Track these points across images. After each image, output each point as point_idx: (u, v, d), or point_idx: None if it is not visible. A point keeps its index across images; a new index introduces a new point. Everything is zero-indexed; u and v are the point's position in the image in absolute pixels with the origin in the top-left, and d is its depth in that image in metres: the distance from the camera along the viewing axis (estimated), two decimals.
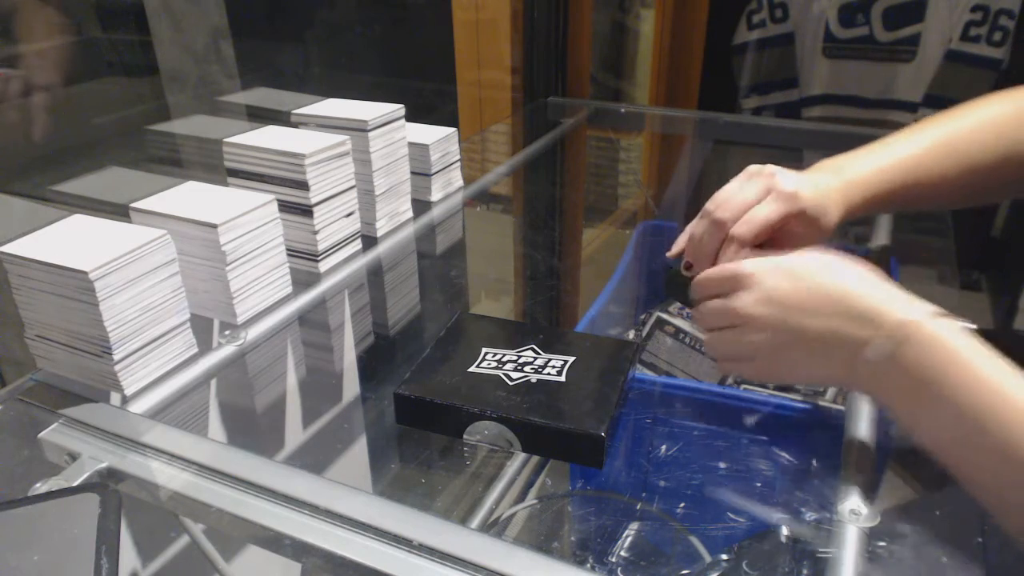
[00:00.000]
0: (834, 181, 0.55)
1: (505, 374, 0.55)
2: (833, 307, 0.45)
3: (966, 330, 0.42)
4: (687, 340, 0.84)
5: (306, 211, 0.70)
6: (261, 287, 0.65)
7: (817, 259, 0.48)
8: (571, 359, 0.56)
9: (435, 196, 0.90)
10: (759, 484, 0.62)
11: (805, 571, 0.49)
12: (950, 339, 0.41)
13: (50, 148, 0.96)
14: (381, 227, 0.81)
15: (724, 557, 0.54)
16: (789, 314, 0.47)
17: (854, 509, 0.44)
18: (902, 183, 0.55)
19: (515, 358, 0.57)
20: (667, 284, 0.64)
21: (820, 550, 0.44)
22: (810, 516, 0.52)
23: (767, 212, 0.51)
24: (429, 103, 1.64)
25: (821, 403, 0.64)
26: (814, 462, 0.58)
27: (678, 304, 0.90)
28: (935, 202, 0.58)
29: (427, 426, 0.54)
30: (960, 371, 0.40)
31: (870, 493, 0.46)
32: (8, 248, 0.53)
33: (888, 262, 0.78)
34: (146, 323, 0.55)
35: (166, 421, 0.53)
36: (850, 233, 0.86)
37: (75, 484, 0.45)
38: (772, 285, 0.48)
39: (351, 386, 0.67)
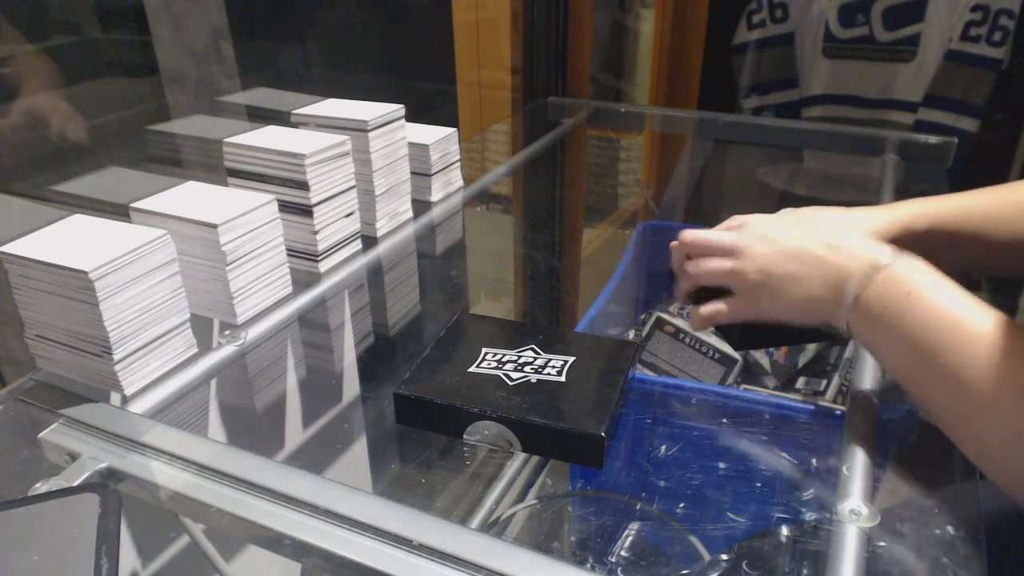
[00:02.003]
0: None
1: (505, 374, 0.55)
2: (820, 239, 0.51)
3: (927, 269, 0.46)
4: (687, 340, 0.84)
5: (306, 211, 0.70)
6: (261, 287, 0.65)
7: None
8: (571, 359, 0.56)
9: (435, 196, 0.90)
10: (759, 484, 0.62)
11: (805, 571, 0.49)
12: (910, 275, 0.46)
13: (50, 148, 0.96)
14: (381, 227, 0.81)
15: (724, 557, 0.54)
16: (781, 240, 0.53)
17: (854, 509, 0.44)
18: (924, 225, 0.57)
19: (515, 358, 0.57)
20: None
21: (820, 550, 0.44)
22: (810, 516, 0.52)
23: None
24: (429, 103, 1.64)
25: (821, 403, 0.64)
26: (814, 462, 0.58)
27: (678, 304, 0.90)
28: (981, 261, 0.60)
29: (427, 426, 0.54)
30: (917, 303, 0.44)
31: (870, 493, 0.46)
32: (8, 248, 0.53)
33: None
34: (146, 323, 0.55)
35: (166, 421, 0.53)
36: None
37: (75, 484, 0.45)
38: (763, 224, 0.55)
39: (351, 386, 0.67)
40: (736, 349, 0.83)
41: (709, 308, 0.56)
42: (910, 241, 0.57)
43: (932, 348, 0.43)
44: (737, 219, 0.58)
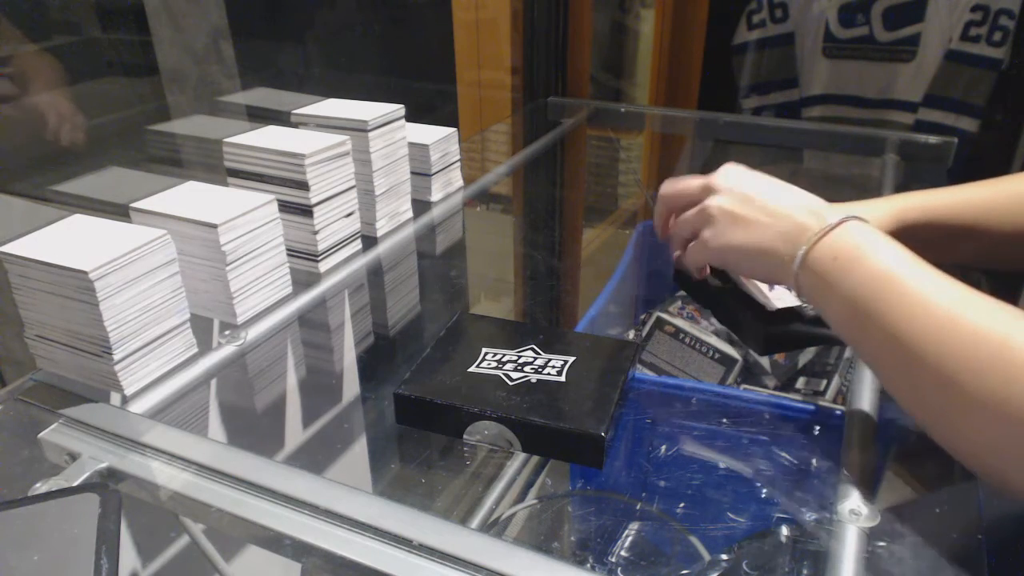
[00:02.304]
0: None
1: (505, 374, 0.55)
2: (789, 195, 0.52)
3: (872, 228, 0.47)
4: (687, 340, 0.84)
5: (306, 211, 0.70)
6: (261, 287, 0.65)
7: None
8: (571, 359, 0.56)
9: (435, 196, 0.90)
10: (759, 484, 0.62)
11: (805, 571, 0.49)
12: (860, 233, 0.46)
13: (50, 148, 0.96)
14: (381, 227, 0.81)
15: (724, 557, 0.54)
16: (749, 186, 0.54)
17: (854, 509, 0.44)
18: (926, 216, 0.58)
19: (515, 358, 0.57)
20: (677, 274, 0.65)
21: (820, 550, 0.44)
22: (810, 516, 0.52)
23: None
24: (429, 103, 1.64)
25: (821, 403, 0.64)
26: (814, 462, 0.58)
27: (678, 304, 0.90)
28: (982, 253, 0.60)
29: (427, 426, 0.54)
30: (860, 261, 0.45)
31: (870, 493, 0.46)
32: (8, 248, 0.53)
33: None
34: (146, 323, 0.55)
35: (166, 421, 0.53)
36: None
37: (75, 484, 0.45)
38: (737, 170, 0.55)
39: (351, 386, 0.67)
40: (761, 355, 0.83)
41: (691, 251, 0.58)
42: (905, 234, 0.57)
43: (872, 308, 0.43)
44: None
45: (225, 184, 0.73)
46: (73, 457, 0.48)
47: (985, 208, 0.57)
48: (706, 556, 0.56)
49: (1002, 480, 0.39)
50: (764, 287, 0.60)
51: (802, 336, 0.58)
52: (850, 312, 0.45)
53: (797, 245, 0.48)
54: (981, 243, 0.57)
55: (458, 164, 0.94)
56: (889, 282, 0.43)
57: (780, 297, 0.59)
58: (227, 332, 0.62)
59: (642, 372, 0.83)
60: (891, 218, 0.56)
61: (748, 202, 0.53)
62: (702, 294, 0.65)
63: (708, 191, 0.55)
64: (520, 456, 0.53)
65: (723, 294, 0.62)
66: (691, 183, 0.58)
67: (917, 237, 0.56)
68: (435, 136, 0.88)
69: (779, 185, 0.53)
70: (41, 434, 0.49)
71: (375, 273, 0.77)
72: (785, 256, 0.49)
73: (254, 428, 0.61)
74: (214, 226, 0.59)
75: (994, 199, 0.57)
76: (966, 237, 0.57)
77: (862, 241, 0.46)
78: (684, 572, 0.57)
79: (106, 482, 0.47)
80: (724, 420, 0.63)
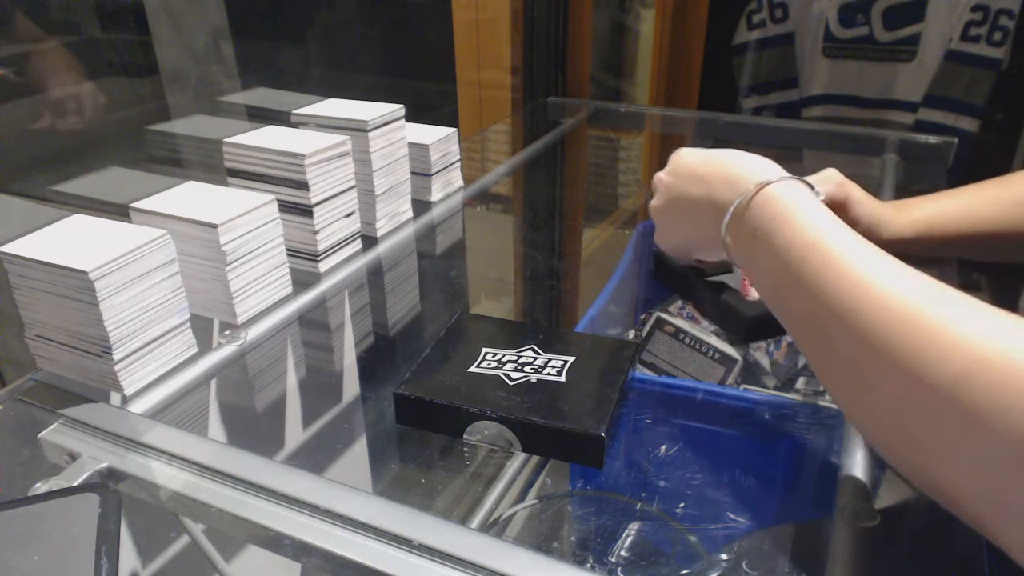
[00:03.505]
0: (885, 204, 0.59)
1: (505, 374, 0.55)
2: (714, 174, 0.49)
3: (809, 193, 0.44)
4: (687, 340, 0.84)
5: (306, 211, 0.70)
6: (261, 287, 0.65)
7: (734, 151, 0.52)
8: (571, 359, 0.56)
9: (435, 196, 0.90)
10: (759, 484, 0.62)
11: (805, 571, 0.49)
12: (786, 196, 0.44)
13: (50, 148, 0.96)
14: (381, 227, 0.81)
15: (724, 557, 0.54)
16: (680, 180, 0.53)
17: (854, 509, 0.44)
18: (960, 223, 0.59)
19: (515, 358, 0.57)
20: (657, 268, 0.65)
21: (820, 550, 0.44)
22: (810, 516, 0.52)
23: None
24: (429, 103, 1.64)
25: (821, 403, 0.64)
26: (814, 462, 0.58)
27: (678, 304, 0.90)
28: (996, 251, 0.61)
29: (427, 426, 0.54)
30: (786, 224, 0.42)
31: (870, 493, 0.46)
32: (8, 248, 0.53)
33: None
34: (146, 323, 0.55)
35: (166, 421, 0.53)
36: None
37: (75, 484, 0.45)
38: (680, 160, 0.54)
39: (351, 386, 0.67)
40: (742, 343, 0.83)
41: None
42: (921, 243, 0.58)
43: (794, 274, 0.40)
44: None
45: (225, 184, 0.73)
46: (73, 457, 0.48)
47: (992, 218, 0.58)
48: (706, 556, 0.56)
49: (906, 459, 0.36)
50: (741, 277, 0.60)
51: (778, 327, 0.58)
52: (773, 279, 0.43)
53: (723, 211, 0.47)
54: (987, 246, 0.58)
55: (458, 164, 0.94)
56: (813, 248, 0.40)
57: None
58: (227, 332, 0.62)
59: (642, 372, 0.83)
60: (912, 231, 0.58)
61: (685, 168, 0.52)
62: (682, 285, 0.66)
63: (656, 185, 0.56)
64: (520, 456, 0.53)
65: (702, 284, 0.62)
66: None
67: (930, 244, 0.57)
68: (435, 136, 0.88)
69: (723, 152, 0.51)
70: (41, 434, 0.49)
71: (375, 273, 0.77)
72: (714, 224, 0.48)
73: (254, 428, 0.61)
74: (214, 226, 0.59)
75: (1000, 204, 0.58)
76: (972, 243, 0.58)
77: (792, 203, 0.43)
78: (684, 572, 0.57)
79: (106, 482, 0.47)
80: (724, 420, 0.63)
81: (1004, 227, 0.58)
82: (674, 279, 0.66)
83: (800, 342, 0.43)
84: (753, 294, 0.59)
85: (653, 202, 0.57)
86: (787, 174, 0.46)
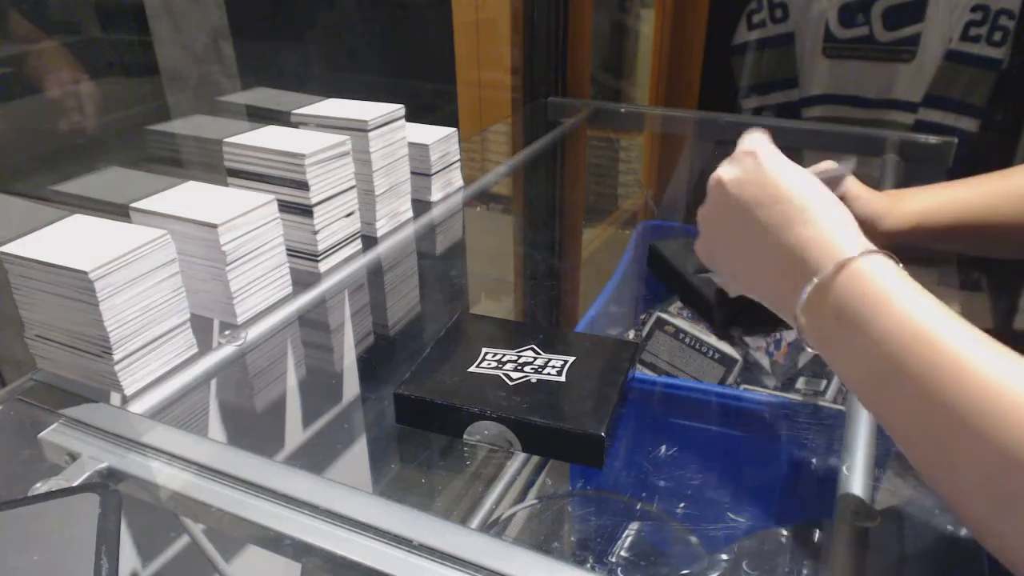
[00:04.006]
0: (881, 196, 0.58)
1: (505, 374, 0.55)
2: (787, 219, 0.43)
3: (898, 269, 0.40)
4: (687, 340, 0.84)
5: (306, 211, 0.70)
6: (261, 287, 0.65)
7: (792, 170, 0.46)
8: (571, 359, 0.56)
9: (435, 196, 0.90)
10: (759, 484, 0.62)
11: (805, 571, 0.49)
12: (876, 276, 0.39)
13: (50, 148, 0.96)
14: (381, 227, 0.81)
15: (724, 557, 0.54)
16: (743, 201, 0.46)
17: (854, 509, 0.44)
18: (959, 214, 0.58)
19: (515, 358, 0.57)
20: (650, 257, 0.66)
21: (820, 550, 0.44)
22: (810, 516, 0.52)
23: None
24: (429, 103, 1.64)
25: (821, 403, 0.64)
26: (814, 462, 0.58)
27: (678, 304, 0.90)
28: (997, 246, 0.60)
29: (427, 426, 0.54)
30: (882, 310, 0.38)
31: (870, 493, 0.46)
32: (8, 248, 0.53)
33: None
34: (146, 323, 0.55)
35: (166, 421, 0.53)
36: None
37: (75, 484, 0.45)
38: (753, 171, 0.47)
39: (351, 386, 0.67)
40: (720, 332, 0.83)
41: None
42: (917, 233, 0.57)
43: (897, 366, 0.36)
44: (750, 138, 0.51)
45: (225, 184, 0.73)
46: (73, 457, 0.48)
47: (993, 202, 0.57)
48: (706, 556, 0.56)
49: None
50: None
51: (759, 318, 0.57)
52: (866, 368, 0.38)
53: (802, 279, 0.41)
54: (989, 236, 0.57)
55: (458, 164, 0.94)
56: (920, 340, 0.36)
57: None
58: (227, 332, 0.62)
59: (642, 372, 0.83)
60: (908, 222, 0.56)
61: (756, 188, 0.45)
62: (670, 278, 0.66)
63: (712, 185, 0.49)
64: (520, 456, 0.53)
65: (686, 275, 0.63)
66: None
67: (927, 235, 0.57)
68: (435, 136, 0.88)
69: (799, 189, 0.44)
70: (41, 434, 0.49)
71: (375, 273, 0.77)
72: (786, 288, 0.43)
73: (254, 428, 0.61)
74: (214, 226, 0.59)
75: (1005, 196, 0.57)
76: (979, 234, 0.57)
77: (884, 285, 0.38)
78: (684, 572, 0.57)
79: (106, 482, 0.47)
80: (724, 420, 0.63)
81: (1003, 219, 0.57)
82: (664, 271, 0.66)
83: (902, 440, 0.38)
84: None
85: (705, 209, 0.50)
86: (867, 243, 0.41)
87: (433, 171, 0.89)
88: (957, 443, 0.34)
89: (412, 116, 0.84)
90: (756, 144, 0.49)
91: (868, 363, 0.38)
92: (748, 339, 0.84)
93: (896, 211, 0.58)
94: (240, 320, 0.63)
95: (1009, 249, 0.60)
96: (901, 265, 0.40)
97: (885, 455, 0.51)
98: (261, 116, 1.15)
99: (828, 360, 0.42)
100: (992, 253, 0.62)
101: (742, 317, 0.60)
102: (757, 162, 0.47)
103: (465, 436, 0.52)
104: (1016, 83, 1.45)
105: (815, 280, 0.40)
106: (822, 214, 0.43)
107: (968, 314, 0.41)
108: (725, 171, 0.48)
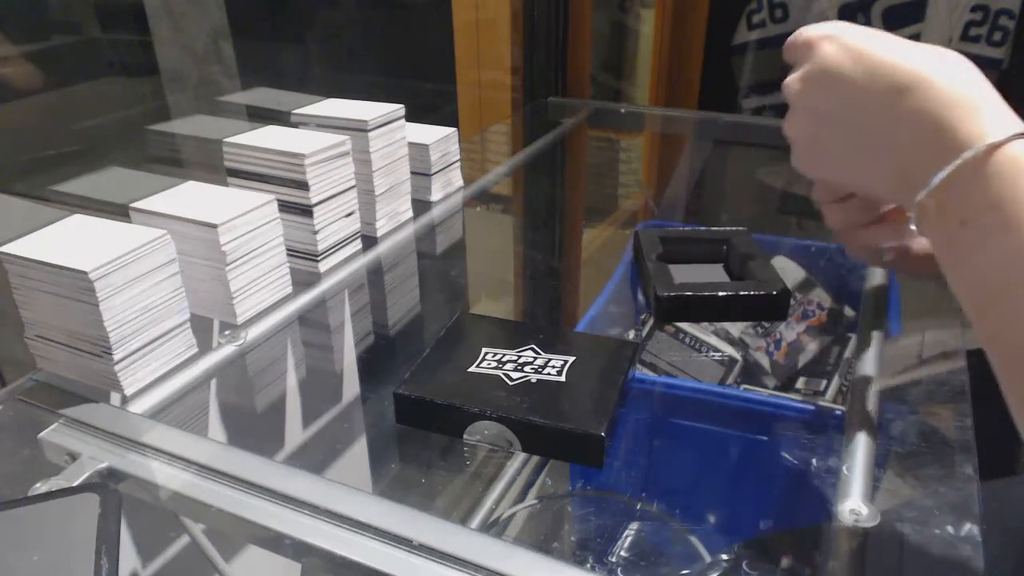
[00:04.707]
0: None
1: (505, 374, 0.55)
2: (900, 108, 0.37)
3: None
4: (687, 340, 0.84)
5: (306, 211, 0.70)
6: (261, 287, 0.65)
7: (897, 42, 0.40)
8: (571, 359, 0.56)
9: (435, 196, 0.90)
10: (759, 484, 0.62)
11: (805, 571, 0.49)
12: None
13: (50, 148, 0.96)
14: (381, 227, 0.81)
15: (724, 557, 0.54)
16: (840, 98, 0.41)
17: (854, 509, 0.44)
18: None
19: (515, 358, 0.57)
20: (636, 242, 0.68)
21: (820, 550, 0.44)
22: (810, 516, 0.52)
23: None
24: (429, 103, 1.64)
25: (821, 403, 0.64)
26: (814, 462, 0.58)
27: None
28: None
29: (427, 426, 0.54)
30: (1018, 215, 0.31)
31: (870, 493, 0.46)
32: (8, 248, 0.53)
33: None
34: (146, 323, 0.55)
35: (166, 421, 0.53)
36: None
37: (75, 484, 0.45)
38: (837, 47, 0.42)
39: (351, 386, 0.67)
40: (660, 321, 0.85)
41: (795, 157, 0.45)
42: None
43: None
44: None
45: (225, 184, 0.73)
46: (73, 457, 0.48)
47: None
48: (706, 556, 0.56)
49: None
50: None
51: (695, 310, 0.61)
52: (1015, 273, 0.32)
53: (927, 166, 0.34)
54: None
55: (458, 164, 0.94)
56: None
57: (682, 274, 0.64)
58: (227, 332, 0.62)
59: (642, 372, 0.83)
60: None
61: (845, 121, 0.39)
62: (639, 263, 0.70)
63: (794, 91, 0.44)
64: (520, 456, 0.53)
65: (642, 265, 0.67)
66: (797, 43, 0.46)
67: None
68: (435, 136, 0.88)
69: (910, 49, 0.38)
70: (41, 434, 0.49)
71: (375, 273, 0.77)
72: (900, 178, 0.37)
73: (254, 428, 0.61)
74: (214, 226, 0.59)
75: None
76: None
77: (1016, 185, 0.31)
78: (684, 572, 0.57)
79: (106, 482, 0.47)
80: (724, 420, 0.63)
81: None
82: (638, 258, 0.70)
83: (1008, 363, 0.32)
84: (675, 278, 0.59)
85: (789, 119, 0.44)
86: (1016, 119, 0.34)
87: (433, 171, 0.89)
88: None
89: (412, 116, 0.84)
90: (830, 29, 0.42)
91: (1007, 259, 0.32)
92: (748, 339, 0.84)
93: None
94: (240, 320, 0.63)
95: None
96: None
97: (885, 455, 0.51)
98: (261, 116, 1.15)
99: (948, 259, 0.36)
100: None
101: (684, 310, 0.63)
102: (834, 31, 0.43)
103: (465, 436, 0.52)
104: (1016, 83, 1.45)
105: (959, 160, 0.33)
106: (959, 73, 0.36)
107: None
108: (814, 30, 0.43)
